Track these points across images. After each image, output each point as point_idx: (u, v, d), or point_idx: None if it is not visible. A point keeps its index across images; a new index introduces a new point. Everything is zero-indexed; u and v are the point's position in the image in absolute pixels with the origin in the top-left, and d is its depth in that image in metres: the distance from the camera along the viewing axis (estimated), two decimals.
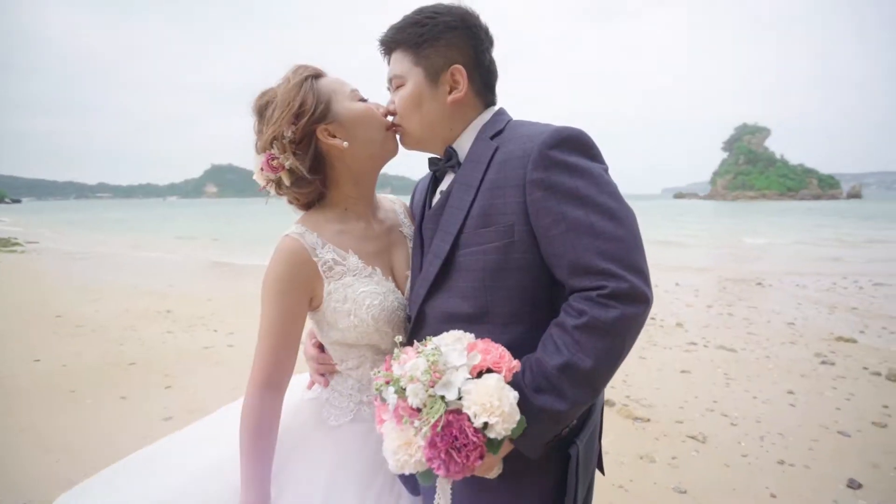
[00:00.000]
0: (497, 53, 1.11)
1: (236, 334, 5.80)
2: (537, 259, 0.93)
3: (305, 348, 1.19)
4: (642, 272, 0.86)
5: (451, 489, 0.93)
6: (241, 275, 10.98)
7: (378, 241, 1.17)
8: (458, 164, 1.06)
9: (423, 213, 1.14)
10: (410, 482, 1.17)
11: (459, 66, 1.03)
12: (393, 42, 1.07)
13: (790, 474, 2.78)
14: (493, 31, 1.09)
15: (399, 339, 0.91)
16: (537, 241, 0.92)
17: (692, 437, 3.20)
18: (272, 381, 1.04)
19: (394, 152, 1.15)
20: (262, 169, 1.09)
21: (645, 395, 3.90)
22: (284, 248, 1.07)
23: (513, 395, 0.80)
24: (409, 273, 1.16)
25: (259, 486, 1.01)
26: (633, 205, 0.95)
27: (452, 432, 0.76)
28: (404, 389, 0.78)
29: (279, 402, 1.06)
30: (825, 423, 3.40)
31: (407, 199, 1.35)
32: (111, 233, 26.34)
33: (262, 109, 1.09)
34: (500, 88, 1.13)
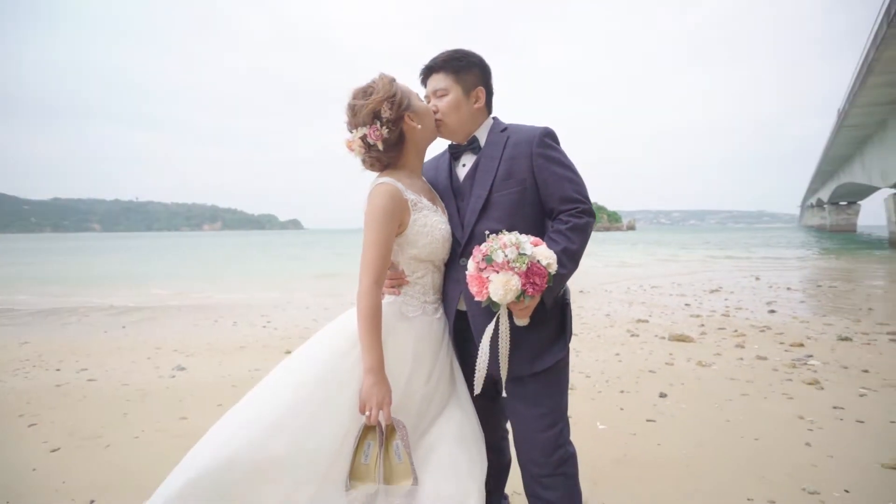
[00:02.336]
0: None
1: (91, 370, 5.02)
2: (538, 199, 1.61)
3: None
4: (590, 201, 1.60)
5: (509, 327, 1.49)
6: (52, 317, 9.04)
7: (428, 193, 1.68)
8: (479, 147, 1.68)
9: (451, 178, 1.72)
10: (458, 348, 1.71)
11: (482, 87, 1.68)
12: (438, 67, 1.64)
13: (627, 397, 3.99)
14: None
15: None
16: (538, 188, 1.60)
17: None
18: (378, 279, 1.48)
19: (435, 138, 1.70)
20: (364, 136, 1.54)
21: None
22: (385, 189, 1.52)
23: (554, 254, 1.43)
24: (446, 216, 1.68)
25: (376, 350, 1.43)
26: None
27: (534, 268, 1.37)
28: (504, 253, 1.36)
29: (381, 295, 1.50)
30: (640, 367, 4.84)
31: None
32: None
33: (365, 94, 1.54)
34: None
